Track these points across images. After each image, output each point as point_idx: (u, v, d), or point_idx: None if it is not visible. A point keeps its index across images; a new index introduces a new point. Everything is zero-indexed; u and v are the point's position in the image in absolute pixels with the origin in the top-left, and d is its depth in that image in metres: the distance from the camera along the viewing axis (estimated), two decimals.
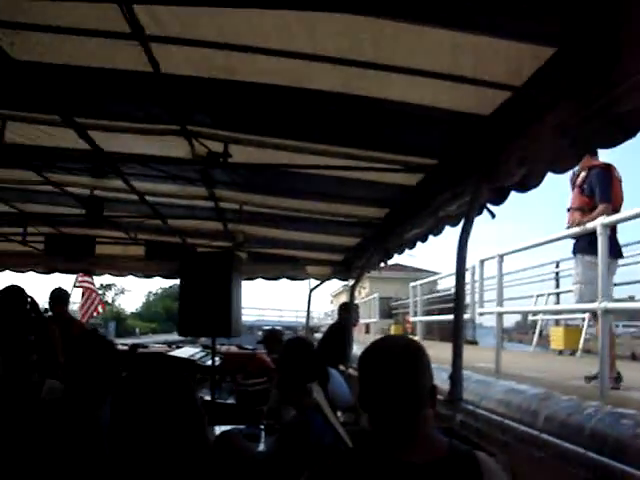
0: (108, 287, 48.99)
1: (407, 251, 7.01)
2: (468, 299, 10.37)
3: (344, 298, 25.01)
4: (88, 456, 3.06)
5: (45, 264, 10.18)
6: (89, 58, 3.59)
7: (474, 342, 15.02)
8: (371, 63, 3.30)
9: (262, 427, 5.67)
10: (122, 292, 52.86)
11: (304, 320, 15.19)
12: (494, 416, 4.96)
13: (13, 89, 4.04)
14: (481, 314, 9.26)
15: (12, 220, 8.47)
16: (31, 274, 10.43)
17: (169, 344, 12.04)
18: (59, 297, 8.22)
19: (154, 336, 35.69)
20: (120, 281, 50.84)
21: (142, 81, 3.77)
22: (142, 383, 1.95)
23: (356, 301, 10.78)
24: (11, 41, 3.27)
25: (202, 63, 3.58)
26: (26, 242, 8.98)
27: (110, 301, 48.83)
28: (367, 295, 27.02)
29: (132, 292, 56.87)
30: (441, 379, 3.03)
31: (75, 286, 16.08)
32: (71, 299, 9.25)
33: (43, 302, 8.06)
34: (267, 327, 12.57)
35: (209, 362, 8.14)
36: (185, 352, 9.57)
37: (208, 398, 6.84)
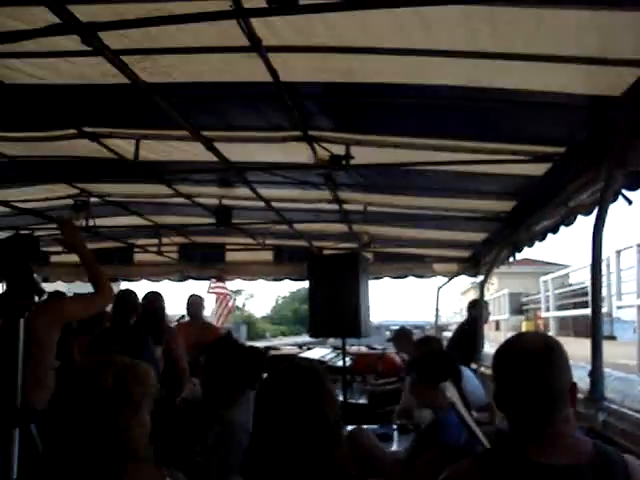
0: (238, 292, 50.71)
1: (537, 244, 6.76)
2: (604, 292, 9.85)
3: (472, 295, 24.46)
4: (221, 453, 3.18)
5: (179, 272, 10.68)
6: (212, 74, 3.73)
7: (612, 337, 14.24)
8: (489, 53, 3.22)
9: (395, 427, 5.66)
10: (251, 297, 54.53)
11: (432, 319, 14.97)
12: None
13: (145, 110, 4.28)
14: (619, 307, 8.76)
15: (148, 232, 8.98)
16: (166, 282, 10.97)
17: (299, 346, 12.29)
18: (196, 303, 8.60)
19: (284, 338, 36.51)
20: (249, 286, 52.46)
21: (263, 91, 3.88)
22: (288, 385, 2.00)
23: (485, 298, 10.53)
24: (143, 66, 3.47)
25: (319, 68, 3.63)
26: (161, 252, 9.48)
27: (240, 306, 50.48)
28: (496, 291, 26.34)
29: (261, 296, 58.49)
30: (579, 377, 2.89)
31: (208, 292, 16.72)
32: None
33: (178, 309, 8.46)
34: (394, 327, 12.51)
35: (339, 363, 8.23)
36: (316, 353, 9.73)
37: (340, 399, 6.92)
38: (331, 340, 12.77)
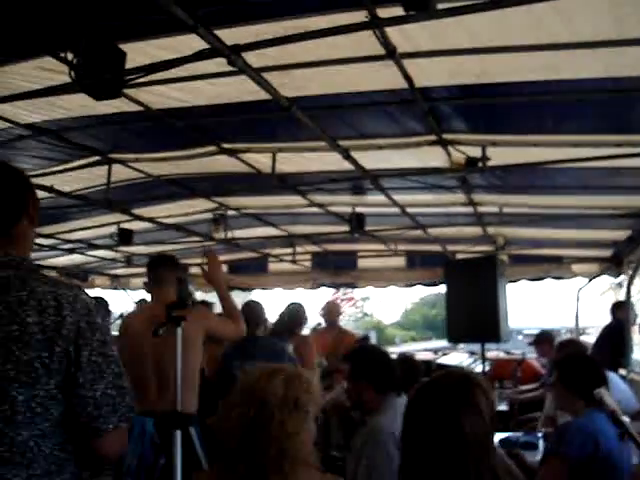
0: (366, 299, 50.78)
1: None
2: None
3: (611, 297, 23.09)
4: (367, 459, 3.18)
5: (312, 280, 10.85)
6: (347, 84, 3.79)
7: None
8: (636, 39, 3.05)
9: (540, 435, 5.46)
10: (380, 303, 54.44)
11: (566, 322, 14.30)
12: None
13: (281, 124, 4.42)
14: None
15: (282, 242, 9.22)
16: (299, 290, 11.19)
17: (434, 351, 12.13)
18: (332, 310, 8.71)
19: (413, 344, 36.17)
20: (377, 292, 52.38)
21: (397, 98, 3.90)
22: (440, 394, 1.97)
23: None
24: (282, 81, 3.58)
25: (454, 70, 3.59)
26: (295, 261, 9.70)
27: (369, 312, 50.52)
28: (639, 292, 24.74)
29: (390, 303, 58.38)
30: None
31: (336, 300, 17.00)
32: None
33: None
34: (528, 331, 12.06)
35: (477, 368, 8.05)
36: (453, 359, 9.58)
37: None
38: (461, 345, 12.52)
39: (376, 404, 3.41)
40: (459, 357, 9.93)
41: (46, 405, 1.60)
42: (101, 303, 6.78)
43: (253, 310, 5.57)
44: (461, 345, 11.98)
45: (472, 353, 10.39)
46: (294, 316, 6.10)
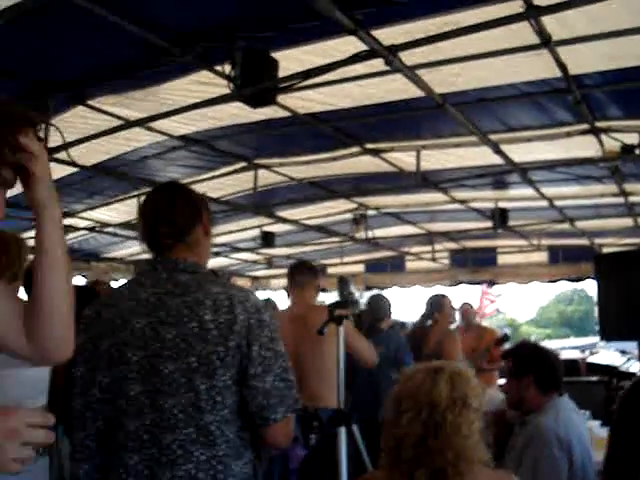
0: (499, 296, 49.39)
1: None
2: None
3: None
4: (528, 459, 3.09)
5: (451, 277, 10.70)
6: (495, 77, 3.71)
7: None
8: None
9: None
10: (513, 300, 52.87)
11: None
12: None
13: (426, 121, 4.40)
14: None
15: (421, 239, 9.16)
16: (437, 287, 11.06)
17: (582, 350, 11.60)
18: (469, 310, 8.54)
19: (550, 342, 34.79)
20: (510, 289, 50.87)
21: (547, 87, 3.78)
22: None
23: None
24: (430, 78, 3.55)
25: (612, 55, 3.42)
26: (435, 259, 9.61)
27: (502, 309, 49.17)
28: None
29: (524, 299, 56.56)
30: None
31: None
32: None
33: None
34: None
35: (632, 368, 7.62)
36: (604, 358, 9.13)
37: None
38: (601, 343, 11.89)
39: (538, 403, 3.30)
40: (611, 356, 9.43)
41: (224, 395, 1.75)
42: (270, 303, 7.05)
43: (381, 302, 5.55)
44: (601, 343, 11.37)
45: (623, 352, 9.85)
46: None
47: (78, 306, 3.68)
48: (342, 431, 3.05)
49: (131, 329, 1.80)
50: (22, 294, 2.95)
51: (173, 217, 1.94)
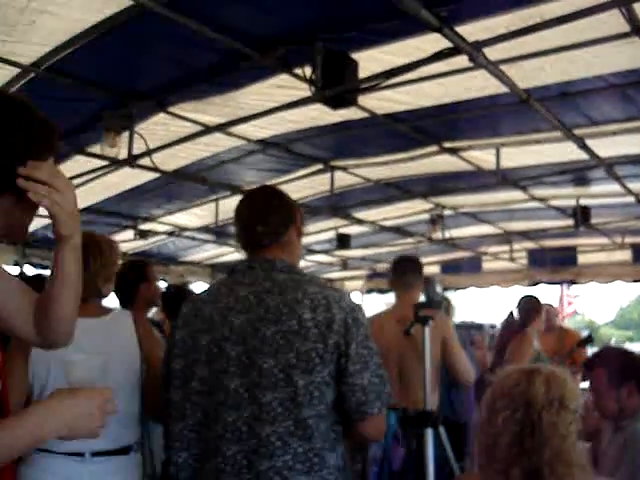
0: (576, 296, 48.00)
1: None
2: None
3: None
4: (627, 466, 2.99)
5: (529, 278, 10.45)
6: (581, 69, 3.61)
7: None
8: None
9: None
10: (591, 301, 51.25)
11: None
12: None
13: (506, 118, 4.32)
14: None
15: (498, 239, 9.00)
16: (515, 288, 10.83)
17: None
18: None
19: (631, 345, 33.51)
20: (587, 289, 49.35)
21: (637, 77, 3.65)
22: None
23: None
24: (511, 73, 3.48)
25: None
26: (512, 258, 9.42)
27: (580, 311, 47.72)
28: None
29: (603, 301, 54.70)
30: None
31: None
32: None
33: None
34: None
35: None
36: None
37: None
38: None
39: (634, 409, 3.19)
40: None
41: (321, 390, 1.80)
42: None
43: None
44: None
45: None
46: (528, 309, 5.81)
47: (173, 304, 3.79)
48: (429, 432, 3.03)
49: (230, 325, 1.88)
50: (113, 298, 3.07)
51: (269, 218, 2.01)
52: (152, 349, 2.55)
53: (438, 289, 3.18)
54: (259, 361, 1.80)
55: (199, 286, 8.92)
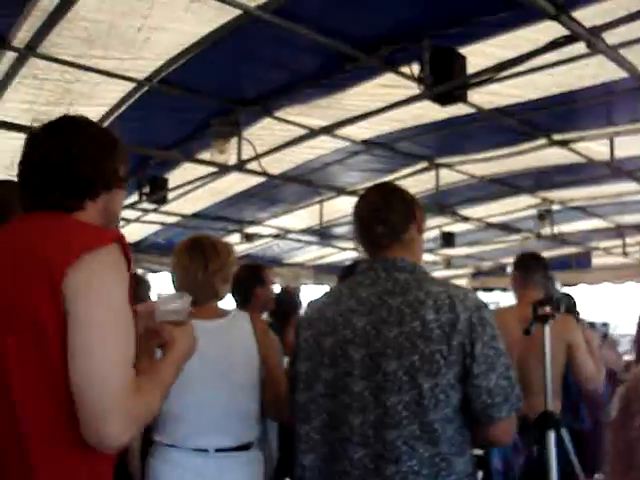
0: None
1: None
2: None
3: None
4: None
5: None
6: None
7: None
8: None
9: None
10: None
11: None
12: None
13: (622, 106, 4.13)
14: None
15: (609, 234, 8.63)
16: (628, 284, 10.34)
17: None
18: None
19: None
20: None
21: None
22: None
23: None
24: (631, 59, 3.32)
25: None
26: (625, 253, 8.99)
27: None
28: None
29: None
30: None
31: None
32: None
33: None
34: None
35: None
36: None
37: None
38: None
39: None
40: None
41: (447, 393, 1.74)
42: None
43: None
44: None
45: None
46: None
47: (286, 306, 3.83)
48: (551, 435, 2.91)
49: (352, 327, 1.85)
50: (230, 300, 3.14)
51: (388, 217, 1.96)
52: (270, 350, 2.58)
53: (557, 286, 3.05)
54: (383, 364, 1.77)
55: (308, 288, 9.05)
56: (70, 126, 1.53)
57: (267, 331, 2.71)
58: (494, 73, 3.13)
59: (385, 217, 1.96)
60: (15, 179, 2.34)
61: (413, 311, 1.79)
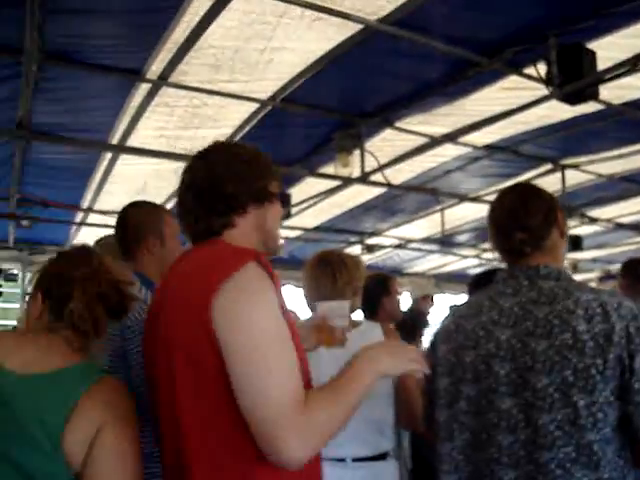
0: None
1: None
2: None
3: None
4: None
5: None
6: None
7: None
8: None
9: None
10: None
11: None
12: None
13: None
14: None
15: None
16: None
17: None
18: None
19: None
20: None
21: None
22: None
23: None
24: None
25: None
26: None
27: None
28: None
29: None
30: None
31: None
32: None
33: None
34: None
35: None
36: None
37: None
38: None
39: None
40: None
41: (605, 411, 1.60)
42: None
43: None
44: None
45: None
46: None
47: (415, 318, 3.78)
48: None
49: (496, 340, 1.74)
50: (359, 313, 3.14)
51: (528, 222, 1.82)
52: None
53: None
54: (532, 379, 1.64)
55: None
56: (216, 148, 1.58)
57: (399, 340, 2.70)
58: (630, 65, 2.96)
59: (525, 222, 1.82)
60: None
61: (562, 322, 1.66)
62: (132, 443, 1.37)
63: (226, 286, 1.32)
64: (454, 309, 2.01)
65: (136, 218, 2.31)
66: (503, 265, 1.90)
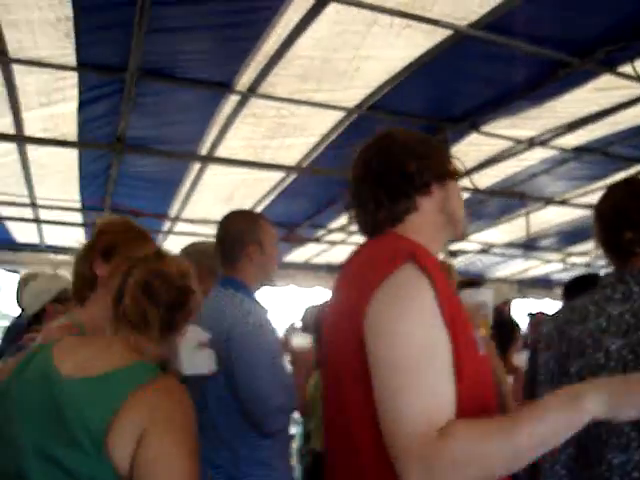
0: None
1: None
2: None
3: None
4: None
5: None
6: None
7: None
8: None
9: None
10: None
11: None
12: None
13: None
14: None
15: None
16: None
17: None
18: None
19: None
20: None
21: None
22: None
23: None
24: None
25: None
26: None
27: None
28: None
29: None
30: None
31: None
32: None
33: None
34: None
35: None
36: None
37: None
38: None
39: None
40: None
41: None
42: None
43: None
44: None
45: None
46: None
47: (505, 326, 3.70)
48: None
49: (605, 350, 1.62)
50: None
51: (638, 219, 1.70)
52: (497, 367, 2.54)
53: None
54: None
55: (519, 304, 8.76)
56: (383, 135, 1.47)
57: (494, 347, 2.66)
58: None
59: (636, 220, 1.71)
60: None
61: (594, 341, 1.56)
62: (181, 447, 1.28)
63: (378, 294, 1.19)
64: (554, 315, 1.90)
65: (236, 226, 2.37)
66: (589, 270, 1.82)
